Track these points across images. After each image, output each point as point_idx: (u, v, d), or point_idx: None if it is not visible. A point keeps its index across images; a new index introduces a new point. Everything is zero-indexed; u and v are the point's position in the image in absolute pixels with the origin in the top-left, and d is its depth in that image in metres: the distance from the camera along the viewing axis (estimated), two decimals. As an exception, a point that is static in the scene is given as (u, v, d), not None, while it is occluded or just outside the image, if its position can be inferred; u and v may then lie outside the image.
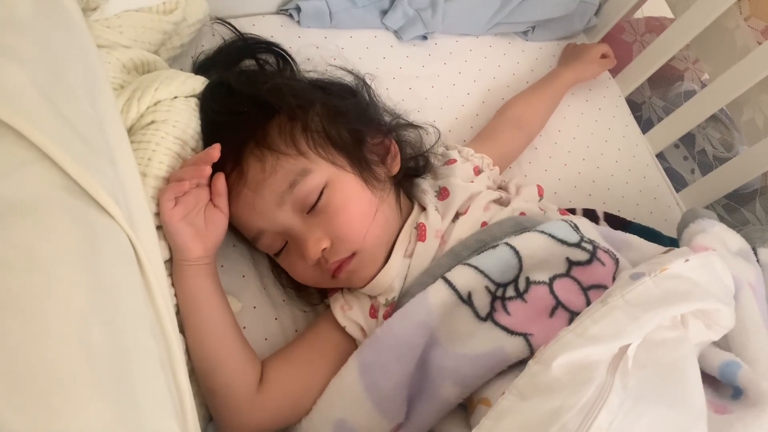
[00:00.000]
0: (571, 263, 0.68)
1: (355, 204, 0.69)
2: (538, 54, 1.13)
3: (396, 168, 0.77)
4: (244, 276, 0.78)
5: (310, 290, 0.78)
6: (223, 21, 0.87)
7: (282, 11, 0.97)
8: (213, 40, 0.89)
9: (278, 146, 0.68)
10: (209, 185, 0.70)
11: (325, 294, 0.78)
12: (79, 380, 0.38)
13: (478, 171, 0.84)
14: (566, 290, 0.65)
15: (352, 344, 0.72)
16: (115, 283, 0.44)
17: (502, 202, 0.80)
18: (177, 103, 0.70)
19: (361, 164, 0.72)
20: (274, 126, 0.70)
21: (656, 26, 1.23)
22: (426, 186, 0.79)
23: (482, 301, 0.66)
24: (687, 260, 0.58)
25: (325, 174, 0.69)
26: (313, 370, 0.70)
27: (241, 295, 0.76)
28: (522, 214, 0.77)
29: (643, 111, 1.21)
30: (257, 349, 0.72)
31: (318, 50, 0.94)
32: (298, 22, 0.97)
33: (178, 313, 0.67)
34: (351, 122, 0.73)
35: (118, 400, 0.39)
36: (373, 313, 0.72)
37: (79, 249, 0.43)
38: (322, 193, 0.68)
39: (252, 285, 0.78)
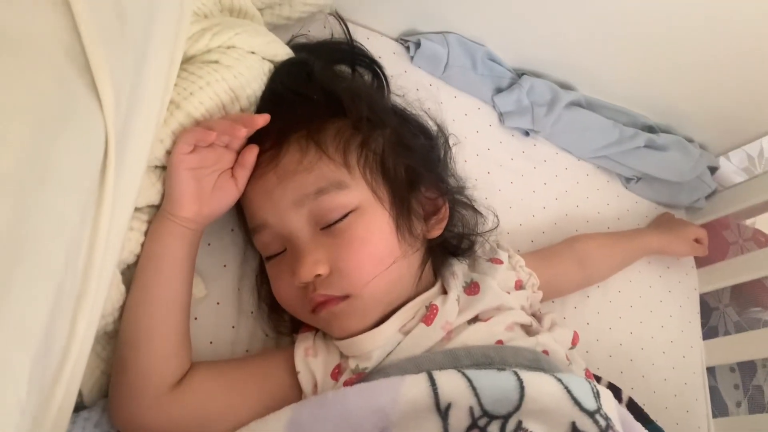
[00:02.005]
0: (575, 430, 0.56)
1: (374, 243, 0.60)
2: (631, 206, 1.03)
3: (436, 233, 0.67)
4: (225, 266, 0.68)
5: (284, 317, 0.68)
6: (340, 19, 0.81)
7: (402, 40, 0.91)
8: (321, 32, 0.83)
9: (327, 147, 0.60)
10: (238, 153, 0.61)
11: (296, 329, 0.68)
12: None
13: (519, 286, 0.74)
14: (557, 457, 0.54)
15: (297, 395, 0.61)
16: (56, 170, 0.35)
17: (529, 331, 0.69)
18: (250, 58, 0.63)
19: (401, 207, 0.62)
20: (334, 127, 0.62)
21: (762, 241, 1.12)
22: (458, 271, 0.69)
23: (459, 422, 0.54)
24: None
25: (360, 198, 0.60)
26: (241, 400, 0.59)
27: (211, 284, 0.66)
28: (545, 352, 0.65)
29: (713, 317, 1.08)
30: (197, 349, 0.62)
31: (417, 93, 0.88)
32: (412, 58, 0.90)
33: (135, 265, 0.58)
34: (414, 161, 0.65)
35: None
36: (336, 374, 0.61)
37: (40, 113, 0.34)
38: (346, 215, 0.59)
39: (228, 279, 0.68)
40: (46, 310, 0.34)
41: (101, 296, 0.43)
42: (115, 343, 0.57)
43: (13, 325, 0.32)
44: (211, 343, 0.65)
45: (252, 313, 0.68)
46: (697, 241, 0.99)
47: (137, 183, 0.48)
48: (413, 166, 0.64)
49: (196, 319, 0.64)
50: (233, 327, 0.67)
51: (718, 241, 1.10)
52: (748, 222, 1.18)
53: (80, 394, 0.56)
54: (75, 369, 0.41)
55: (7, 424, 0.31)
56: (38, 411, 0.38)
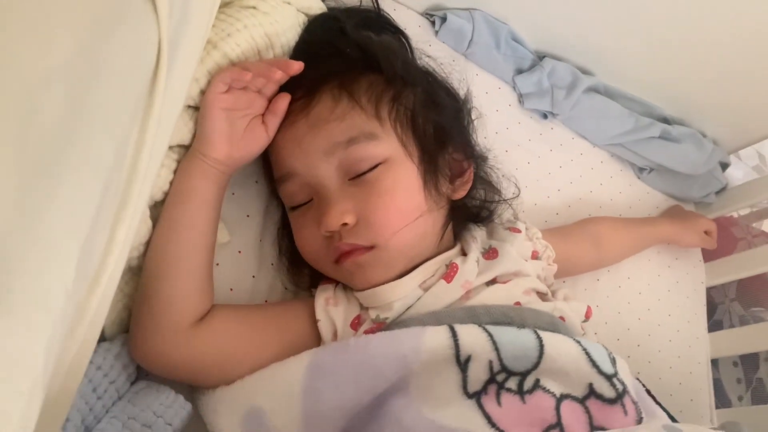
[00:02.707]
0: (592, 392, 0.56)
1: (402, 195, 0.60)
2: (643, 196, 1.04)
3: (461, 194, 0.67)
4: (248, 216, 0.68)
5: (305, 271, 0.68)
6: (369, -15, 0.82)
7: (427, 14, 0.92)
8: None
9: (360, 98, 0.60)
10: (270, 100, 0.62)
11: (315, 284, 0.67)
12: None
13: (535, 256, 0.74)
14: (573, 417, 0.54)
15: (317, 343, 0.61)
16: (108, 68, 0.35)
17: (545, 298, 0.69)
18: (286, 8, 0.63)
19: (429, 164, 0.63)
20: (367, 79, 0.62)
21: (769, 240, 1.12)
22: (478, 236, 0.69)
23: (478, 375, 0.54)
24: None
25: (390, 150, 0.60)
26: (261, 343, 0.59)
27: (234, 232, 0.66)
28: (562, 319, 0.66)
29: (719, 310, 1.09)
30: (217, 295, 0.62)
31: (441, 66, 0.88)
32: (436, 32, 0.91)
33: (162, 202, 0.58)
34: (443, 121, 0.65)
35: (28, 189, 0.30)
36: (356, 324, 0.61)
37: (95, 9, 0.34)
38: (376, 166, 0.60)
39: (251, 229, 0.68)
40: (94, 203, 0.34)
41: (139, 211, 0.43)
42: (139, 278, 0.57)
43: (65, 210, 0.32)
44: (231, 290, 0.65)
45: (272, 264, 0.68)
46: (706, 233, 0.99)
47: (182, 100, 0.48)
48: (443, 125, 0.65)
49: (218, 264, 0.64)
50: (253, 276, 0.67)
51: (727, 236, 1.11)
52: (756, 225, 1.19)
53: (102, 328, 0.55)
54: (109, 283, 0.41)
55: (55, 307, 0.31)
56: (78, 307, 0.37)
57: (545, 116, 0.97)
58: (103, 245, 0.39)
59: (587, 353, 0.58)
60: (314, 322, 0.61)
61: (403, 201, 0.60)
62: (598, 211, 0.97)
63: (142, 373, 0.58)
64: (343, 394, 0.54)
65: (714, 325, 1.06)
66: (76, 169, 0.33)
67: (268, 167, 0.66)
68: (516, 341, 0.57)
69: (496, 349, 0.56)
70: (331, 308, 0.62)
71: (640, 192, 1.04)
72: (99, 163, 0.35)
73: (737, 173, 1.20)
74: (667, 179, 1.05)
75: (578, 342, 0.59)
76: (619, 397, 0.56)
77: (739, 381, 1.03)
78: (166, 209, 0.57)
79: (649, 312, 0.96)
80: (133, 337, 0.56)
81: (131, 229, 0.42)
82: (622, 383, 0.58)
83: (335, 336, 0.61)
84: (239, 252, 0.67)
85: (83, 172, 0.33)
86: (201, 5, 0.50)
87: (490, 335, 0.56)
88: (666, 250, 1.00)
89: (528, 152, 0.94)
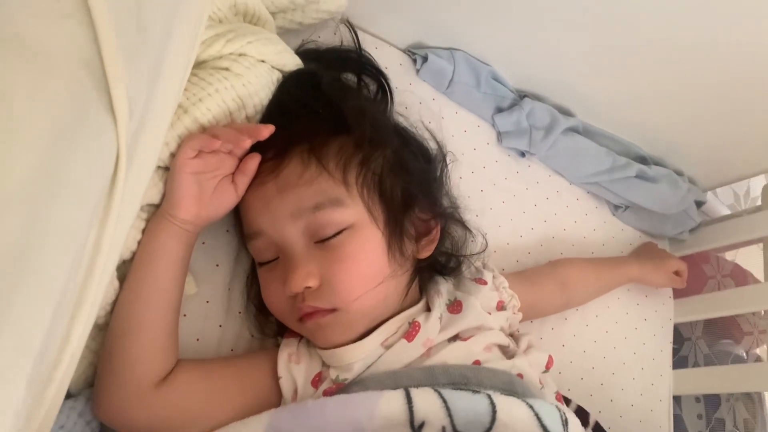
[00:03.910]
0: (542, 457, 0.58)
1: (365, 261, 0.62)
2: (617, 233, 1.05)
3: (426, 254, 0.69)
4: (217, 265, 0.70)
5: (271, 318, 0.69)
6: (351, 26, 0.82)
7: (409, 52, 0.92)
8: (331, 38, 0.84)
9: (328, 163, 0.62)
10: (240, 159, 0.63)
11: (282, 332, 0.69)
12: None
13: (500, 306, 0.76)
14: (522, 483, 0.56)
15: (278, 399, 0.63)
16: (67, 183, 0.36)
17: (506, 352, 0.71)
18: (260, 67, 0.64)
19: (395, 228, 0.64)
20: (337, 143, 0.63)
21: (740, 277, 1.15)
22: (443, 289, 0.71)
23: (430, 441, 0.56)
24: None
25: (355, 215, 0.62)
26: (225, 399, 0.61)
27: (202, 282, 0.68)
28: (520, 375, 0.68)
29: (684, 347, 1.11)
30: (183, 345, 0.63)
31: (419, 106, 0.89)
32: (417, 71, 0.91)
33: (130, 261, 0.59)
34: (410, 184, 0.66)
35: None
36: (316, 382, 0.62)
37: (55, 127, 0.35)
38: (341, 232, 0.61)
39: (219, 279, 0.69)
40: (47, 320, 0.36)
41: (98, 300, 0.45)
42: (105, 336, 0.58)
43: (16, 336, 0.33)
44: (197, 340, 0.67)
45: (240, 313, 0.70)
46: (676, 273, 1.01)
47: (143, 189, 0.49)
48: (410, 189, 0.66)
49: (185, 315, 0.66)
50: (220, 326, 0.68)
51: (697, 273, 1.13)
52: (729, 255, 1.21)
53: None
54: (68, 369, 0.43)
55: (3, 425, 0.33)
56: (31, 409, 0.39)
57: (523, 154, 0.98)
58: (61, 338, 0.41)
59: (538, 418, 0.60)
60: (276, 377, 0.63)
61: (365, 267, 0.61)
62: (571, 249, 0.99)
63: (105, 430, 0.59)
64: (300, 457, 0.56)
65: (679, 361, 1.09)
66: (29, 292, 0.34)
67: (239, 218, 0.68)
68: (469, 406, 0.58)
69: (450, 415, 0.57)
70: (293, 365, 0.63)
71: (615, 229, 1.06)
72: (54, 280, 0.36)
73: (716, 206, 1.22)
74: (641, 217, 1.06)
75: (530, 406, 0.60)
76: (568, 463, 0.58)
77: (700, 417, 1.06)
78: (133, 269, 0.58)
79: (615, 351, 0.98)
80: (96, 395, 0.57)
81: (89, 319, 0.43)
82: (572, 446, 0.60)
83: (295, 393, 0.62)
84: (207, 302, 0.68)
85: (36, 294, 0.34)
86: (170, 81, 0.51)
87: (445, 401, 0.58)
88: (636, 288, 1.03)
89: (503, 191, 0.95)
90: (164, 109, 0.49)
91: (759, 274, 1.09)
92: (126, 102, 0.40)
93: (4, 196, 0.32)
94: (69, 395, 0.57)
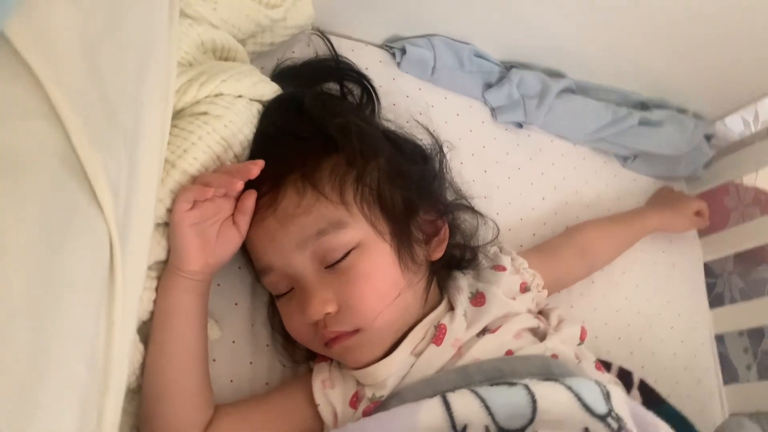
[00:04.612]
0: (589, 436, 0.58)
1: (378, 278, 0.61)
2: (630, 185, 1.04)
3: (438, 254, 0.68)
4: (236, 304, 0.70)
5: (299, 346, 0.70)
6: (323, 35, 0.81)
7: (386, 47, 0.91)
8: (306, 51, 0.83)
9: (323, 187, 0.61)
10: (237, 198, 0.62)
11: (313, 355, 0.70)
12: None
13: (524, 288, 0.75)
14: (573, 465, 0.56)
15: (319, 425, 0.64)
16: (66, 286, 0.36)
17: (537, 333, 0.71)
18: (238, 103, 0.63)
19: (402, 238, 0.63)
20: (329, 164, 0.63)
21: (763, 202, 1.13)
22: (463, 284, 0.71)
23: (476, 442, 0.56)
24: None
25: (360, 234, 0.61)
26: (268, 439, 0.61)
27: (224, 323, 0.68)
28: (554, 356, 0.67)
29: (718, 284, 1.10)
30: (218, 389, 0.64)
31: (407, 99, 0.88)
32: (399, 64, 0.90)
33: (150, 320, 0.60)
34: (410, 189, 0.66)
35: (9, 419, 0.32)
36: (354, 402, 0.63)
37: (43, 230, 0.36)
38: (349, 252, 0.61)
39: (240, 317, 0.70)
40: (75, 418, 0.36)
41: (123, 379, 0.45)
42: (140, 399, 0.59)
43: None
44: (231, 381, 0.67)
45: (267, 346, 0.70)
46: (697, 213, 0.99)
47: (144, 261, 0.49)
48: (410, 194, 0.65)
49: (214, 360, 0.66)
50: (251, 363, 0.69)
51: (719, 208, 1.11)
52: (748, 180, 1.18)
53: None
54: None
55: None
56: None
57: (521, 125, 0.96)
58: (94, 424, 0.42)
59: (579, 398, 0.60)
60: (314, 405, 0.63)
61: (380, 283, 0.61)
62: (586, 211, 0.97)
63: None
64: (350, 482, 0.56)
65: (715, 299, 1.07)
66: (50, 397, 0.34)
67: (248, 253, 0.68)
68: (508, 401, 0.58)
69: (491, 413, 0.57)
70: (328, 391, 0.64)
71: (627, 181, 1.04)
72: (73, 379, 0.36)
73: (727, 134, 1.19)
74: (652, 163, 1.04)
75: (569, 388, 0.60)
76: (615, 437, 0.58)
77: (746, 350, 1.05)
78: (154, 330, 0.59)
79: (648, 303, 0.97)
80: (143, 458, 0.59)
81: (118, 399, 0.44)
82: (617, 419, 0.60)
83: (335, 417, 0.63)
84: (233, 342, 0.69)
85: (58, 397, 0.35)
86: (150, 144, 0.50)
87: (483, 400, 0.58)
88: (659, 236, 1.01)
89: (507, 167, 0.94)
90: (149, 173, 0.49)
91: (783, 195, 1.07)
92: (108, 190, 0.40)
93: (8, 310, 0.33)
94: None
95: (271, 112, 0.68)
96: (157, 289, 0.60)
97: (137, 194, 0.46)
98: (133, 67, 0.47)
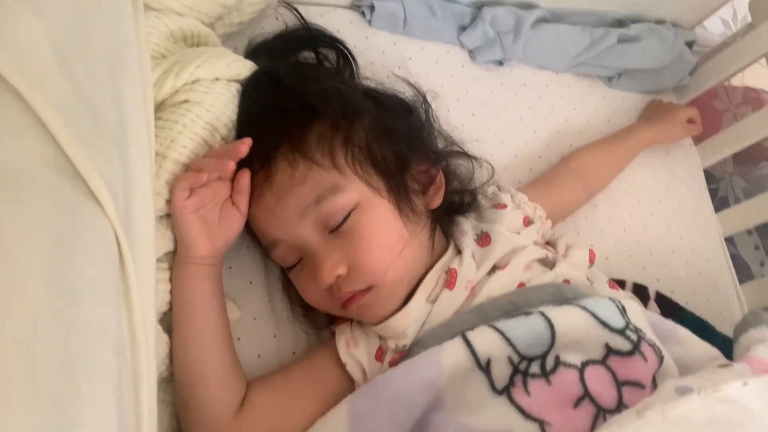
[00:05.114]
0: (610, 350, 0.60)
1: (382, 234, 0.62)
2: (619, 104, 1.04)
3: (437, 202, 0.69)
4: (251, 282, 0.71)
5: (318, 312, 0.71)
6: (290, 5, 0.81)
7: (355, 6, 0.90)
8: (275, 24, 0.83)
9: (313, 154, 0.62)
10: (232, 180, 0.63)
11: (333, 319, 0.71)
12: (14, 393, 0.32)
13: (527, 222, 0.76)
14: (598, 380, 0.57)
15: (350, 384, 0.65)
16: (83, 286, 0.38)
17: (546, 263, 0.72)
18: (216, 86, 0.64)
19: (399, 191, 0.64)
20: (315, 131, 0.63)
21: (754, 99, 1.12)
22: (467, 227, 0.72)
23: (501, 372, 0.58)
24: (745, 383, 0.49)
25: (358, 195, 0.62)
26: (301, 404, 0.63)
27: (243, 303, 0.70)
28: (566, 281, 0.69)
29: (721, 187, 1.10)
30: (247, 366, 0.66)
31: (384, 55, 0.88)
32: (369, 21, 0.90)
33: (170, 311, 0.62)
34: (398, 143, 0.66)
35: (52, 420, 0.33)
36: (380, 356, 0.65)
37: (52, 239, 0.37)
38: (349, 214, 0.62)
39: (257, 294, 0.71)
40: (113, 409, 0.38)
41: (152, 367, 0.47)
42: (174, 387, 0.61)
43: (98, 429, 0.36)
44: (259, 356, 0.69)
45: (288, 318, 0.72)
46: (690, 120, 1.00)
47: (152, 248, 0.51)
48: (400, 148, 0.66)
49: (239, 339, 0.68)
50: (275, 336, 0.71)
51: (710, 112, 1.11)
52: (736, 81, 1.18)
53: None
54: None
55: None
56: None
57: (501, 63, 0.96)
58: (134, 415, 0.43)
59: (595, 316, 0.61)
60: (342, 366, 0.65)
61: (385, 238, 0.62)
62: (578, 137, 0.98)
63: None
64: (387, 430, 0.58)
65: (719, 202, 1.08)
66: (88, 395, 0.36)
67: (253, 232, 0.69)
68: (526, 330, 0.60)
69: (511, 345, 0.59)
70: (353, 350, 0.66)
71: (615, 101, 1.04)
72: (106, 374, 0.38)
73: (708, 36, 1.18)
74: (637, 78, 1.04)
75: (584, 308, 0.62)
76: (636, 347, 0.60)
77: (757, 248, 1.06)
78: (175, 320, 0.61)
79: (654, 217, 0.98)
80: (187, 442, 0.61)
81: (151, 387, 0.45)
82: (636, 330, 0.62)
83: (364, 373, 0.65)
84: (254, 319, 0.70)
85: (95, 393, 0.36)
86: (139, 140, 0.51)
87: (502, 333, 0.59)
88: (654, 149, 1.02)
89: (494, 106, 0.94)
90: (143, 169, 0.50)
91: (772, 89, 1.07)
92: (106, 190, 0.41)
93: (31, 318, 0.34)
94: (163, 449, 0.61)
95: (249, 90, 0.68)
96: (171, 280, 0.61)
97: (134, 190, 0.47)
98: (107, 68, 0.48)
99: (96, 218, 0.41)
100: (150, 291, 0.49)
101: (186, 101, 0.62)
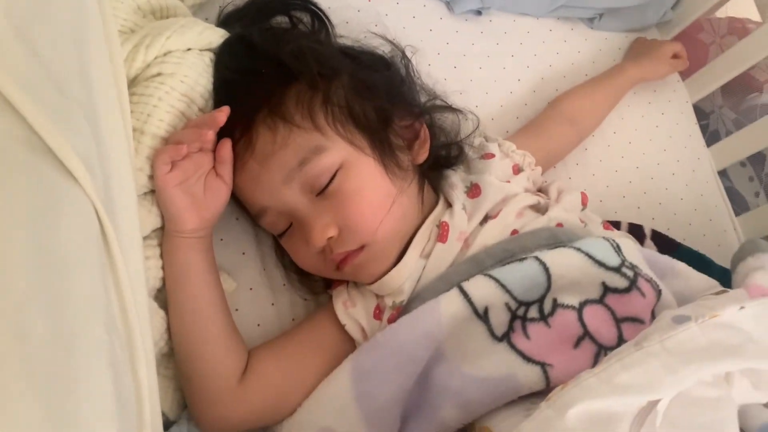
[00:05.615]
0: (607, 289, 0.60)
1: (369, 192, 0.62)
2: (603, 45, 1.02)
3: (423, 156, 0.69)
4: (244, 253, 0.71)
5: (314, 277, 0.71)
6: (258, -31, 0.79)
7: (326, -34, 0.88)
8: (245, -9, 0.81)
9: (293, 117, 0.61)
10: (215, 150, 0.63)
11: (329, 283, 0.71)
12: (9, 373, 0.32)
13: (517, 170, 0.76)
14: (597, 319, 0.58)
15: (351, 345, 0.66)
16: (67, 261, 0.37)
17: (538, 209, 0.72)
18: (189, 56, 0.63)
19: (383, 148, 0.64)
20: (293, 94, 0.62)
21: (739, 29, 1.10)
22: (456, 179, 0.71)
23: (500, 319, 0.58)
24: (742, 307, 0.49)
25: (341, 154, 0.61)
26: (304, 367, 0.64)
27: (237, 274, 0.70)
28: (559, 225, 0.68)
29: (711, 121, 1.09)
30: (247, 335, 0.66)
31: (359, 14, 0.86)
32: (342, -20, 0.88)
33: (164, 287, 0.62)
34: (379, 99, 0.65)
35: (51, 400, 0.33)
36: (378, 314, 0.65)
37: (31, 217, 0.37)
38: (335, 175, 0.61)
39: (251, 264, 0.71)
40: (109, 380, 0.38)
41: (148, 341, 0.47)
42: (175, 361, 0.61)
43: (90, 406, 0.35)
44: (258, 325, 0.69)
45: (284, 285, 0.72)
46: (676, 56, 0.98)
47: (135, 222, 0.50)
48: (381, 104, 0.65)
49: (237, 310, 0.68)
50: (272, 304, 0.71)
51: (696, 45, 1.09)
52: (720, 13, 1.16)
53: (163, 414, 0.61)
54: (154, 410, 0.46)
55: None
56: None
57: (479, 12, 0.94)
58: (132, 388, 0.43)
59: (589, 256, 0.61)
60: (341, 327, 0.65)
61: (372, 196, 0.62)
62: (564, 81, 0.96)
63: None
64: (391, 386, 0.58)
65: (711, 136, 1.07)
66: (85, 361, 0.36)
67: (241, 203, 0.68)
68: (522, 276, 0.60)
69: (507, 291, 0.59)
70: (350, 310, 0.66)
71: (599, 41, 1.02)
72: (97, 346, 0.38)
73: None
74: (619, 17, 1.03)
75: (578, 249, 0.62)
76: (633, 283, 0.60)
77: (751, 179, 1.05)
78: (170, 295, 0.61)
79: (645, 156, 0.97)
80: (194, 414, 0.61)
81: (148, 358, 0.45)
82: (632, 267, 0.62)
83: (364, 332, 0.65)
84: (250, 289, 0.70)
85: (88, 366, 0.36)
86: (112, 115, 0.50)
87: (497, 281, 0.59)
88: (642, 87, 1.00)
89: (476, 57, 0.93)
90: (118, 142, 0.49)
91: (755, 17, 1.05)
92: (80, 163, 0.40)
93: (19, 298, 0.34)
94: (170, 423, 0.61)
95: (223, 57, 0.67)
96: (161, 256, 0.61)
97: (111, 165, 0.47)
98: (71, 43, 0.47)
99: (73, 193, 0.40)
100: (138, 266, 0.49)
101: (159, 74, 0.61)
